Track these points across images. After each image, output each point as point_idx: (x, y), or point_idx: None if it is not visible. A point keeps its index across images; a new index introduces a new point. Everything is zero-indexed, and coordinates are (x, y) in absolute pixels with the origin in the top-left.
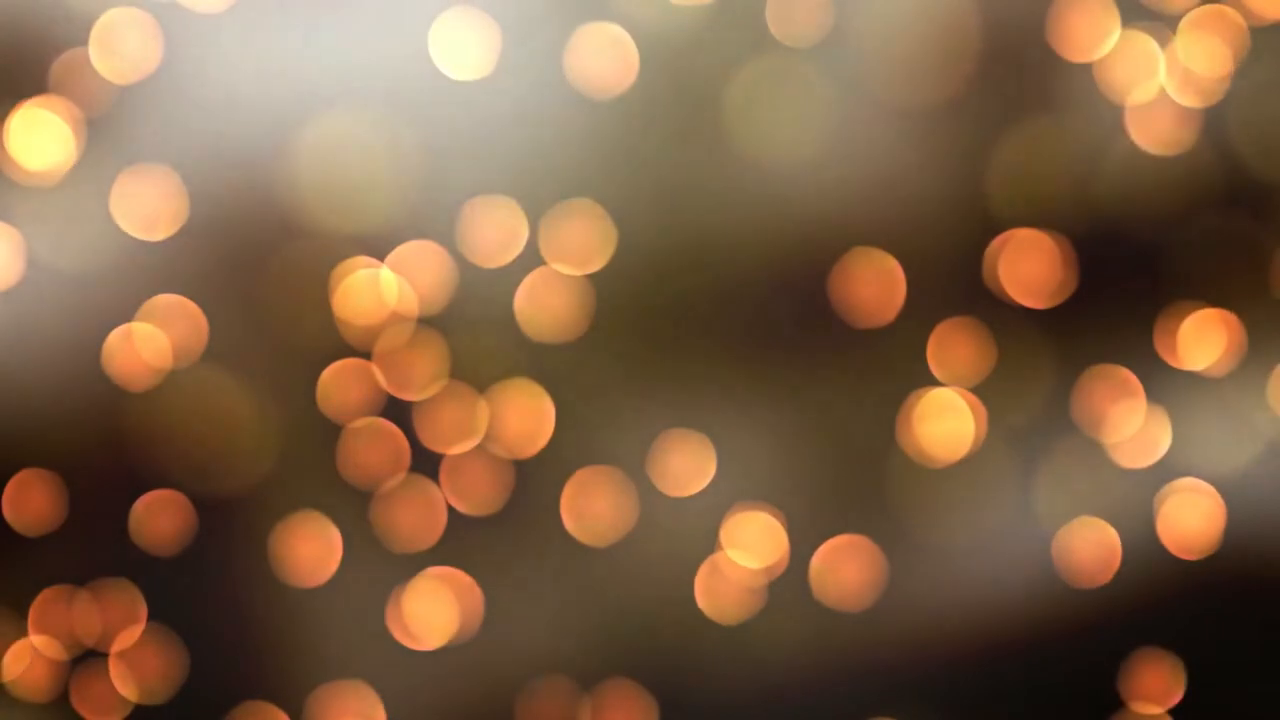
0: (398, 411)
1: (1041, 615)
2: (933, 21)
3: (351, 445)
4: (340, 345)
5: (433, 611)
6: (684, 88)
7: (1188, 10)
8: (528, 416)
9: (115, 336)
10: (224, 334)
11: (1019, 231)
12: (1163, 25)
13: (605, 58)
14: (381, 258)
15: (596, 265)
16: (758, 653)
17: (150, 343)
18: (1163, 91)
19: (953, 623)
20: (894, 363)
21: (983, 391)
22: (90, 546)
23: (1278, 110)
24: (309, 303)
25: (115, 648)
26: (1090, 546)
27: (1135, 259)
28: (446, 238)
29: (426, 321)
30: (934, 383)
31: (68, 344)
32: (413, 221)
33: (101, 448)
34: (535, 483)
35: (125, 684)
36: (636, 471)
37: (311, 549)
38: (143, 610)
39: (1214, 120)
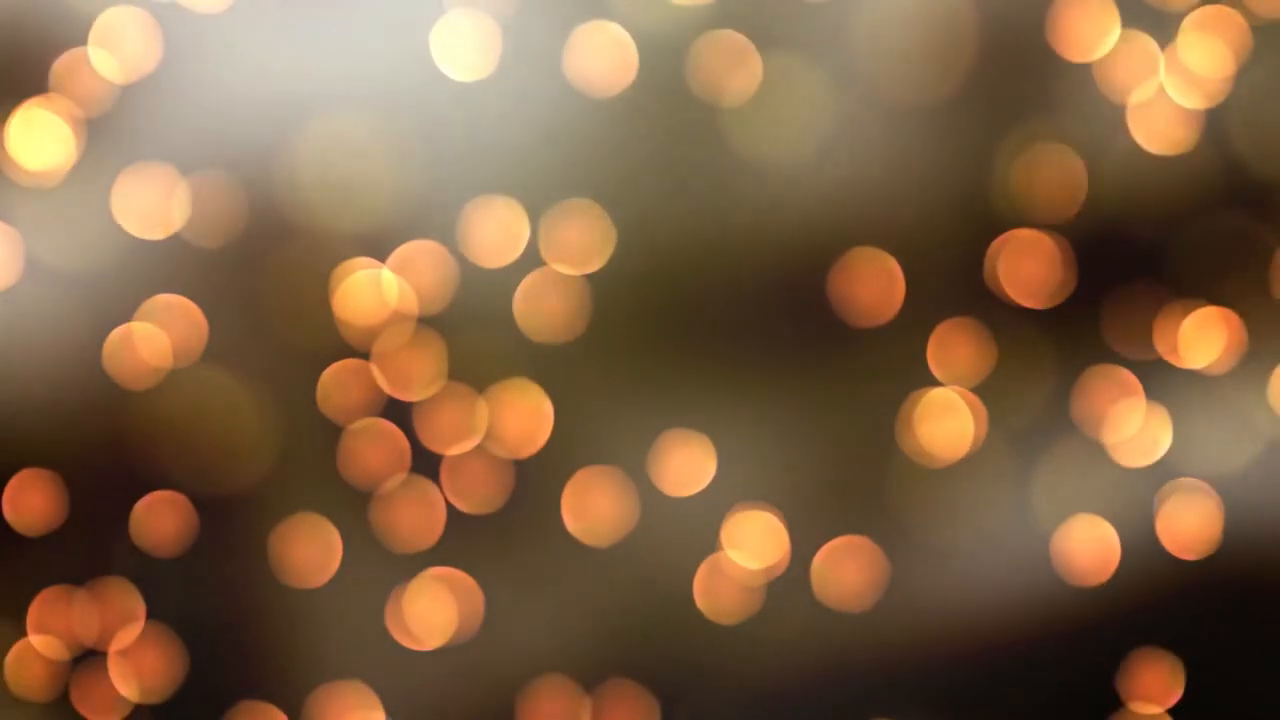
0: (398, 412)
1: (1041, 615)
2: (932, 21)
3: (352, 445)
4: (340, 345)
5: (433, 611)
6: (683, 87)
7: (1188, 10)
8: (527, 416)
9: (115, 336)
10: (224, 334)
11: (1019, 231)
12: (1163, 25)
13: (604, 57)
14: (382, 258)
15: (596, 265)
16: (758, 653)
17: (150, 343)
18: (1163, 91)
19: (952, 623)
20: (894, 363)
21: (983, 391)
22: (90, 546)
23: (1278, 110)
24: (309, 303)
25: (115, 647)
26: (1089, 545)
27: (1135, 259)
28: (447, 238)
29: (426, 321)
30: (934, 383)
31: (68, 344)
32: (413, 221)
33: (101, 448)
34: (535, 483)
35: (125, 684)
36: (636, 471)
37: (311, 549)
38: (142, 610)
39: (1214, 120)
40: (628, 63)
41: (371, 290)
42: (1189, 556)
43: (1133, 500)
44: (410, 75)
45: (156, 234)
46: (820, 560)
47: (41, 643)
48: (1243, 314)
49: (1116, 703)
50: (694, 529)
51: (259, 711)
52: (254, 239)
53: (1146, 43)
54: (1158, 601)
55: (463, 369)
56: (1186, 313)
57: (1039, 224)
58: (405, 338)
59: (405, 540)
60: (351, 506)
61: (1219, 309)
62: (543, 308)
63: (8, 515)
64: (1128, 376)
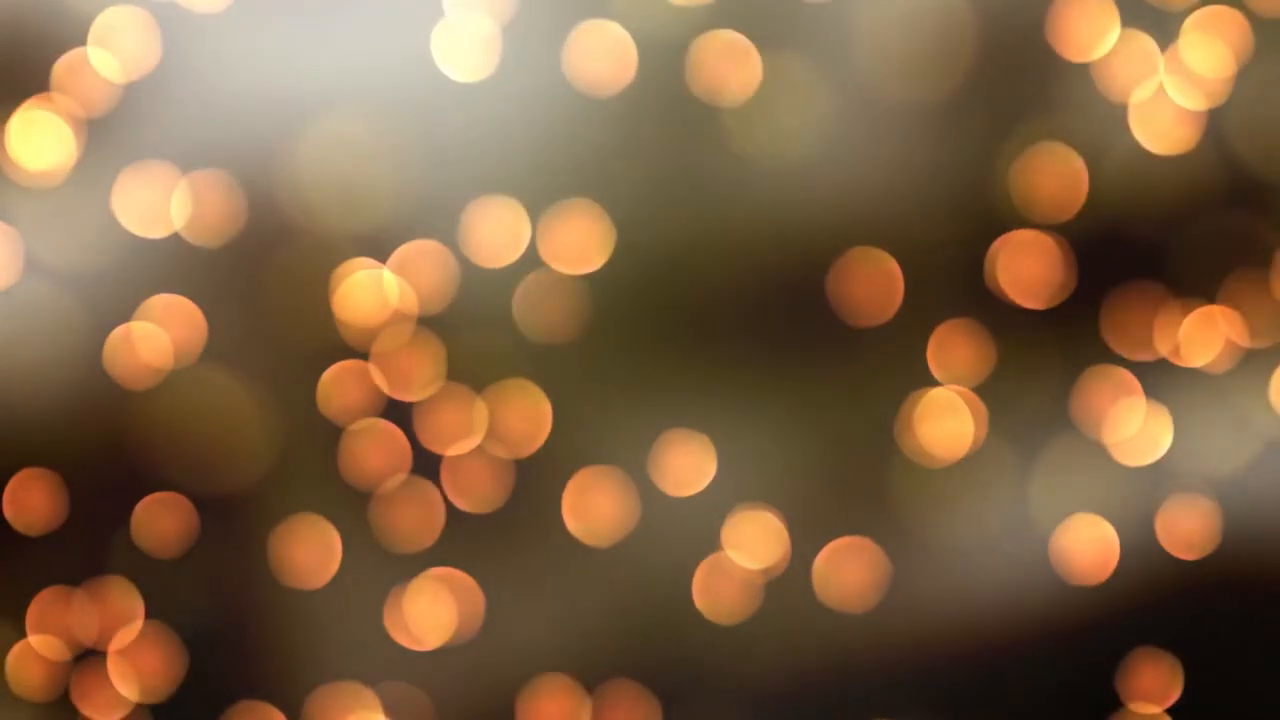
0: (398, 412)
1: (1041, 615)
2: (932, 21)
3: (351, 446)
4: (340, 345)
5: (433, 611)
6: (683, 87)
7: (1189, 10)
8: (527, 416)
9: (115, 336)
10: (224, 334)
11: (1019, 231)
12: (1164, 25)
13: (604, 57)
14: (382, 258)
15: (596, 265)
16: (758, 653)
17: (150, 342)
18: (1164, 91)
19: (952, 622)
20: (894, 363)
21: (983, 391)
22: (90, 546)
23: (1278, 109)
24: (309, 303)
25: (114, 646)
26: (1089, 545)
27: (1135, 259)
28: (446, 238)
29: (426, 322)
30: (934, 383)
31: (68, 344)
32: (413, 221)
33: (101, 448)
34: (535, 483)
35: (124, 683)
36: (637, 472)
37: (311, 549)
38: (141, 609)
39: (1215, 119)
40: (627, 63)
41: (371, 290)
42: (1188, 556)
43: (1132, 500)
44: (410, 75)
45: (156, 233)
46: (820, 560)
47: (41, 642)
48: (1243, 314)
49: (1116, 702)
50: (694, 529)
51: (258, 711)
52: (254, 239)
53: (1146, 43)
54: (1157, 601)
55: (463, 369)
56: (1186, 312)
57: (1039, 224)
58: (405, 338)
59: (405, 540)
60: (351, 507)
61: (1219, 309)
62: (542, 308)
63: (8, 515)
64: (1128, 376)
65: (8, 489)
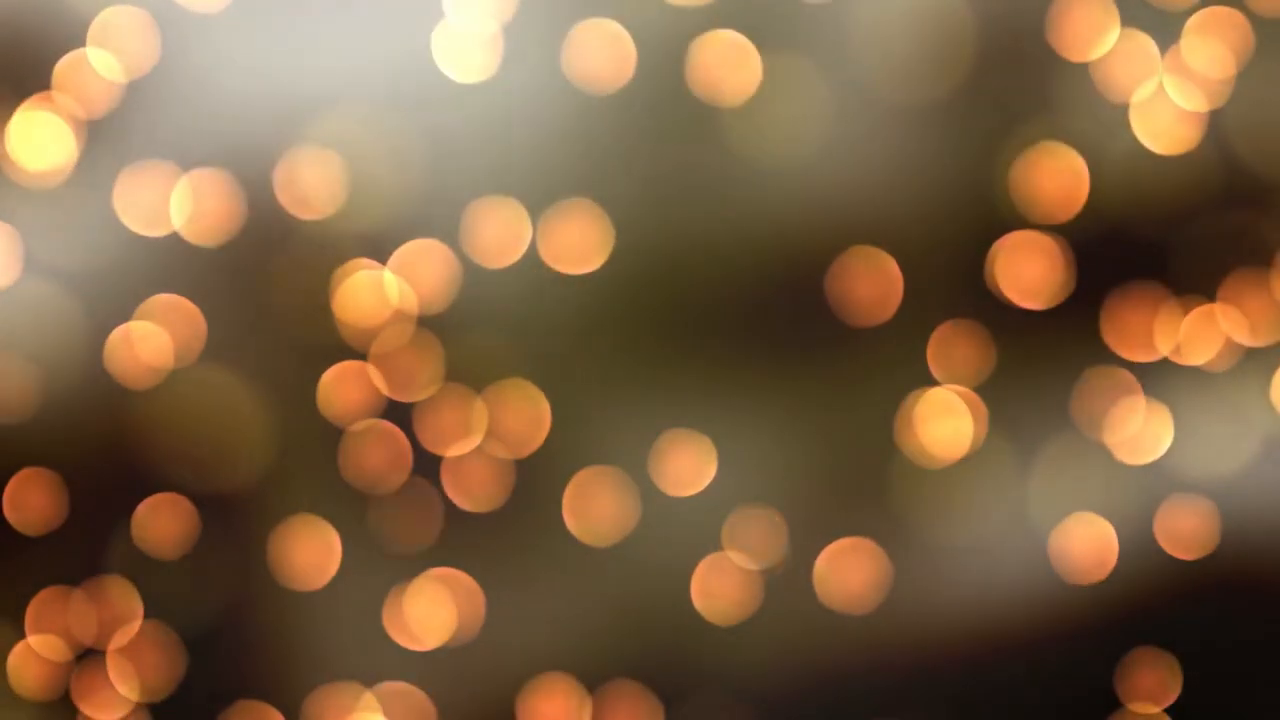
0: (398, 412)
1: (1039, 615)
2: (932, 21)
3: (352, 446)
4: (340, 345)
5: (433, 612)
6: (683, 88)
7: (1190, 10)
8: (527, 417)
9: (115, 336)
10: (224, 334)
11: (1019, 231)
12: (1165, 25)
13: (603, 55)
14: (382, 258)
15: (596, 265)
16: (758, 653)
17: (150, 342)
18: (1165, 91)
19: (951, 622)
20: (894, 362)
21: (983, 391)
22: (90, 546)
23: (1279, 108)
24: (309, 303)
25: (113, 646)
26: (1088, 544)
27: (1135, 259)
28: (447, 238)
29: (427, 322)
30: (933, 382)
31: (68, 344)
32: (413, 221)
33: (101, 448)
34: (536, 483)
35: (124, 682)
36: (637, 471)
37: (311, 550)
38: (140, 609)
39: (1215, 118)
40: (627, 63)
41: (372, 290)
42: (1187, 556)
43: (1131, 500)
44: (410, 75)
45: (156, 233)
46: (820, 560)
47: (41, 642)
48: (1243, 313)
49: (1114, 702)
50: (694, 529)
51: (257, 712)
52: (254, 239)
53: (1146, 42)
54: (1155, 602)
55: (463, 369)
56: (1187, 312)
57: (1039, 224)
58: (405, 338)
59: (405, 540)
60: (351, 507)
61: (1219, 307)
62: (542, 308)
63: (8, 515)
64: (1128, 376)
65: (8, 489)
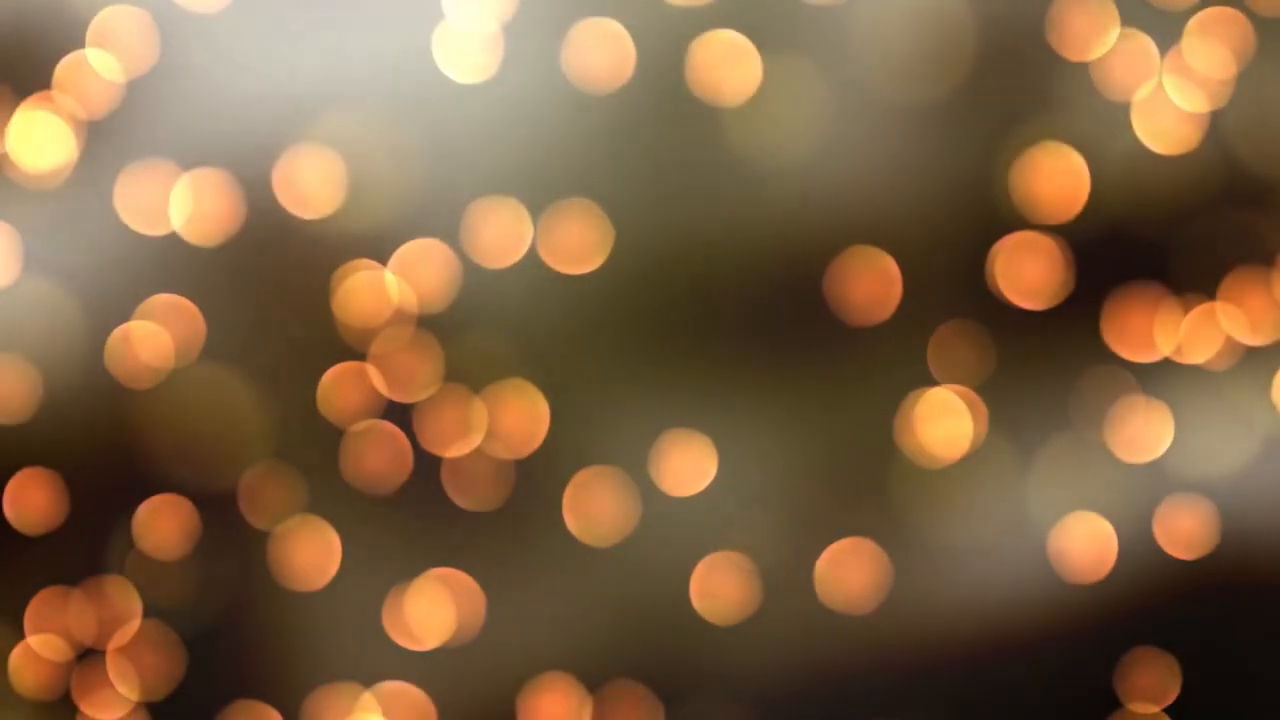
0: (398, 413)
1: (1039, 615)
2: (932, 21)
3: (352, 447)
4: (340, 346)
5: (433, 612)
6: (683, 88)
7: (1191, 10)
8: (527, 417)
9: (115, 336)
10: (224, 334)
11: (1019, 232)
12: (1166, 25)
13: (603, 56)
14: (382, 258)
15: (595, 265)
16: (758, 653)
17: (150, 342)
18: (1165, 90)
19: (951, 622)
20: (894, 362)
21: (983, 391)
22: (90, 546)
23: (1279, 107)
24: (309, 303)
25: (113, 645)
26: (1087, 543)
27: (1135, 259)
28: (447, 238)
29: (427, 322)
30: (933, 382)
31: (68, 344)
32: (413, 221)
33: (101, 448)
34: (536, 483)
35: (124, 682)
36: (637, 471)
37: (311, 550)
38: (139, 608)
39: (1216, 118)
40: (627, 63)
41: (372, 290)
42: (1186, 556)
43: (1130, 500)
44: (410, 74)
45: (156, 233)
46: (820, 560)
47: (41, 642)
48: (1243, 312)
49: (1113, 702)
50: (694, 529)
51: (256, 712)
52: (254, 239)
53: (1146, 42)
54: (1155, 601)
55: (463, 369)
56: (1187, 311)
57: (1039, 224)
58: (406, 338)
59: (404, 540)
60: (351, 507)
61: (1220, 305)
62: (542, 308)
63: (8, 515)
64: (1128, 376)
65: (8, 489)
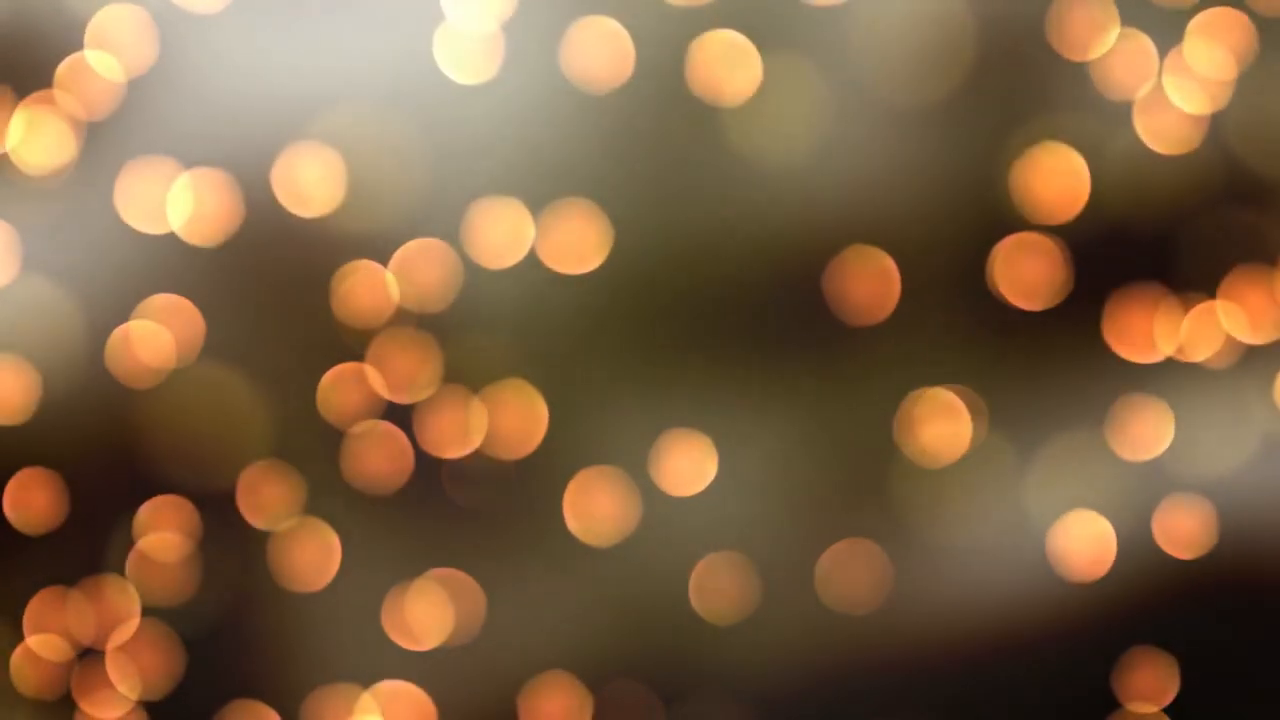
0: (399, 413)
1: (1038, 615)
2: (931, 21)
3: (353, 447)
4: (340, 346)
5: (433, 612)
6: (683, 88)
7: (1191, 10)
8: (527, 417)
9: (115, 336)
10: (224, 334)
11: (1019, 233)
12: (1167, 25)
13: (603, 56)
14: (383, 258)
15: (595, 265)
16: (758, 653)
17: (150, 342)
18: (1167, 90)
19: (951, 622)
20: (893, 362)
21: (983, 391)
22: (90, 546)
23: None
24: (309, 303)
25: (112, 644)
26: (1086, 542)
27: (1136, 258)
28: (447, 238)
29: (427, 322)
30: (933, 382)
31: (68, 343)
32: (413, 221)
33: (101, 448)
34: (535, 483)
35: (123, 681)
36: (638, 471)
37: (311, 551)
38: (139, 607)
39: (1216, 117)
40: (626, 63)
41: (372, 290)
42: (1185, 555)
43: (1130, 500)
44: (410, 74)
45: (156, 233)
46: (820, 560)
47: (41, 641)
48: (1244, 311)
49: (1112, 702)
50: (694, 529)
51: (255, 712)
52: (254, 239)
53: (1146, 42)
54: (1154, 601)
55: (463, 370)
56: (1188, 309)
57: (1040, 224)
58: (406, 339)
59: (404, 540)
60: (351, 507)
61: (1220, 306)
62: (542, 308)
63: (8, 515)
64: (1128, 376)
65: (8, 489)
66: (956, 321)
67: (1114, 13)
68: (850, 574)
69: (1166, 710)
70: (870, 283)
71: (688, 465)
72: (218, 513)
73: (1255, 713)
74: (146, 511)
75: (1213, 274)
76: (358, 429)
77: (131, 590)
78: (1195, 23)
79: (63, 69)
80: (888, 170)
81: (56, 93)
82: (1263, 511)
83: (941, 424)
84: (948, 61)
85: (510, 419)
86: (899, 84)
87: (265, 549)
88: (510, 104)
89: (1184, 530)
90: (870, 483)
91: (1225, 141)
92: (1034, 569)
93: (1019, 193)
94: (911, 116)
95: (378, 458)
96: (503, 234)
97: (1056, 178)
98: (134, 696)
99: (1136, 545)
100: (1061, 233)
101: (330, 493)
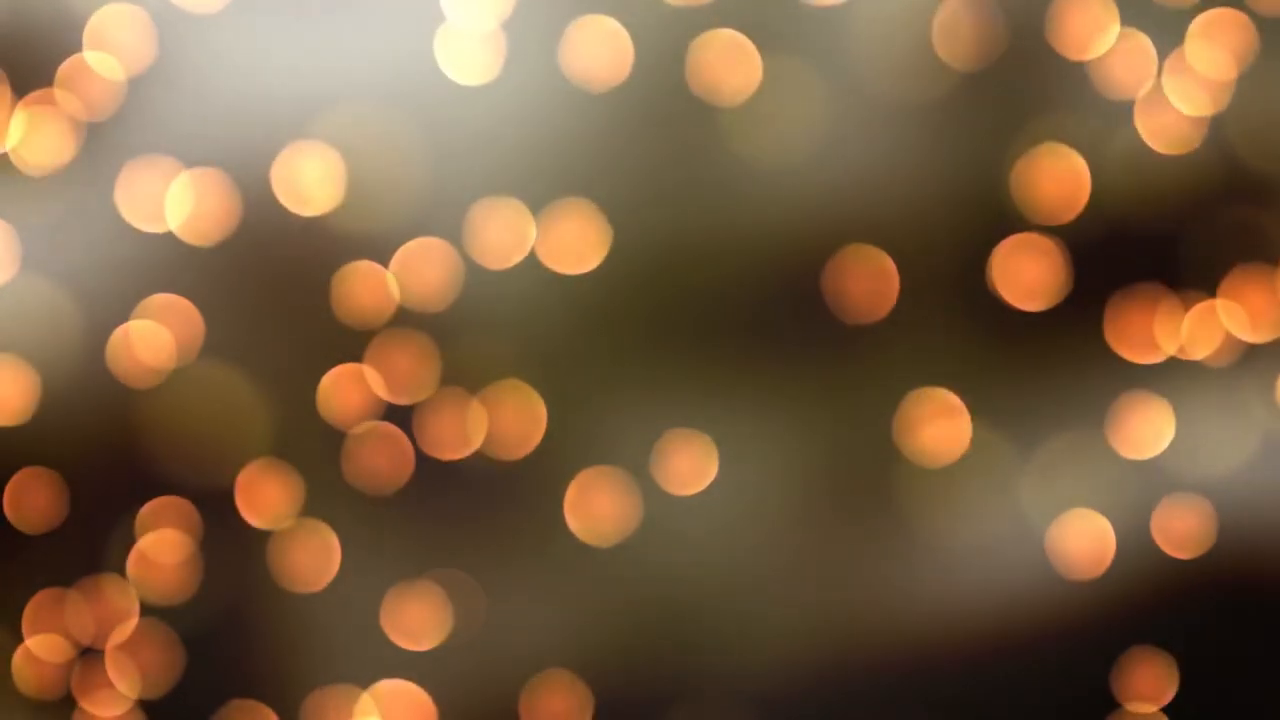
0: (399, 414)
1: (1037, 614)
2: (932, 21)
3: (353, 448)
4: (340, 346)
5: (433, 612)
6: (682, 87)
7: (1192, 10)
8: (527, 417)
9: (115, 336)
10: (223, 334)
11: (1019, 234)
12: (1167, 24)
13: (603, 56)
14: (383, 258)
15: (594, 265)
16: (758, 653)
17: (150, 342)
18: (1165, 90)
19: (950, 621)
20: (893, 362)
21: (982, 391)
22: (90, 546)
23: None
24: (309, 304)
25: (111, 644)
26: (1085, 541)
27: (1137, 257)
28: (448, 238)
29: (428, 322)
30: (932, 382)
31: (68, 343)
32: (413, 221)
33: (101, 447)
34: (537, 484)
35: (122, 680)
36: (638, 471)
37: (311, 551)
38: (137, 607)
39: (1217, 117)
40: (626, 63)
41: (372, 290)
42: (1184, 555)
43: (1129, 499)
44: (410, 74)
45: (156, 232)
46: (820, 560)
47: (41, 641)
48: (1245, 309)
49: (1111, 701)
50: (694, 529)
51: (255, 712)
52: (253, 238)
53: (1146, 42)
54: (1153, 601)
55: (463, 370)
56: (1188, 308)
57: (1040, 224)
58: (406, 339)
59: (404, 541)
60: (351, 508)
61: (1221, 304)
62: (542, 308)
63: (8, 515)
64: (1128, 376)
65: (8, 489)
66: (956, 321)
67: (1114, 13)
68: (850, 574)
69: (1165, 710)
70: (869, 282)
71: (688, 465)
72: (218, 513)
73: (1254, 713)
74: (146, 511)
75: (1213, 273)
76: (358, 429)
77: (131, 590)
78: (1196, 23)
79: (63, 69)
80: (887, 170)
81: (56, 92)
82: (1263, 511)
83: (941, 424)
84: (948, 61)
85: (510, 419)
86: (899, 84)
87: (265, 549)
88: (510, 104)
89: (1183, 530)
90: (870, 482)
91: (1225, 142)
92: (1033, 568)
93: (1019, 193)
94: (911, 116)
95: (377, 458)
96: (503, 234)
97: (1056, 178)
98: (133, 696)
99: (1136, 545)
100: (1061, 233)
101: (330, 493)
